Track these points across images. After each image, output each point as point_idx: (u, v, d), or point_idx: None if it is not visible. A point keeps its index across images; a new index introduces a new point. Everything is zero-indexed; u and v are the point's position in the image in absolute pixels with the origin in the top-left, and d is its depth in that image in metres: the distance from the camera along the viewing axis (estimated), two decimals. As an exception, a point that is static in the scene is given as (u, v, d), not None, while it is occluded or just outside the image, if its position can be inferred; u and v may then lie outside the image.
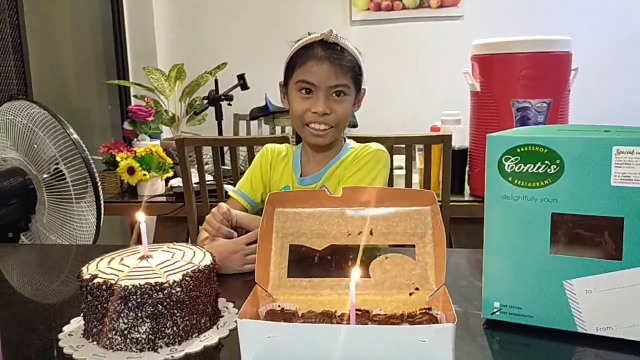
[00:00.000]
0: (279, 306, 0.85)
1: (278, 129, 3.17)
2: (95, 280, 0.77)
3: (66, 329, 0.84)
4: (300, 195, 0.96)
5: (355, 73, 1.25)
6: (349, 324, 0.75)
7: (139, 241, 0.85)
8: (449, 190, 1.97)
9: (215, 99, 2.53)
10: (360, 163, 1.29)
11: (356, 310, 0.84)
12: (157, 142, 2.58)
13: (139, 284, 0.76)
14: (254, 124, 3.20)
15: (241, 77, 2.75)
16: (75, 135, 1.60)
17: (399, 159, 2.08)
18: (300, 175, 1.34)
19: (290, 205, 0.94)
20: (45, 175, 1.64)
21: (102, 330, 0.77)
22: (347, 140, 1.37)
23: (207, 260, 0.84)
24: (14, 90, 2.53)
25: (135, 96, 3.10)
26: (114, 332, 0.77)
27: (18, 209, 1.62)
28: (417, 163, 2.36)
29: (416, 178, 2.16)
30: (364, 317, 0.81)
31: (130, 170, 2.23)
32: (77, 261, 1.28)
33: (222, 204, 1.18)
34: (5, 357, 0.77)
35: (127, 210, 2.32)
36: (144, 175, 2.21)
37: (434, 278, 0.88)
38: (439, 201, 2.02)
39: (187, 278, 0.79)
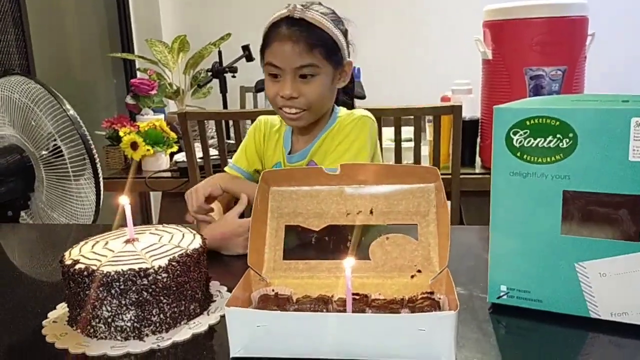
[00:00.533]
0: (272, 290, 0.81)
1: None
2: (77, 266, 0.73)
3: (51, 315, 0.81)
4: (296, 173, 0.91)
5: (328, 48, 1.14)
6: (345, 309, 0.71)
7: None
8: (459, 163, 1.91)
9: (219, 71, 2.47)
10: (344, 132, 1.22)
11: (354, 294, 0.79)
12: (161, 116, 2.53)
13: (122, 270, 0.71)
14: (260, 96, 3.14)
15: (246, 48, 2.68)
16: (72, 112, 1.55)
17: (408, 131, 2.01)
18: (290, 153, 1.28)
19: (286, 183, 0.89)
20: (43, 153, 1.60)
21: (85, 318, 0.74)
22: (337, 109, 1.28)
23: (196, 244, 0.80)
24: (15, 66, 2.49)
25: (139, 69, 3.04)
26: (97, 320, 0.73)
27: (17, 187, 1.59)
28: (426, 135, 2.29)
29: (425, 150, 2.10)
30: (362, 302, 0.77)
31: (134, 146, 2.19)
32: (74, 241, 1.24)
33: (197, 187, 1.16)
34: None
35: (133, 187, 2.28)
36: (148, 150, 2.17)
37: (437, 260, 0.83)
38: (448, 174, 1.97)
39: (173, 263, 0.74)
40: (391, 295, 0.79)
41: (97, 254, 0.76)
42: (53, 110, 1.55)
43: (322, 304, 0.76)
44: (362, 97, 2.49)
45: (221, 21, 3.28)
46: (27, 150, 1.59)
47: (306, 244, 0.89)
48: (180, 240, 0.81)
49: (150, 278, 0.72)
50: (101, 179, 1.59)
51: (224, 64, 2.54)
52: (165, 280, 0.73)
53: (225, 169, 1.35)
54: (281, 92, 1.15)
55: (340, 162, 0.88)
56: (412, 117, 1.93)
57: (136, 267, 0.72)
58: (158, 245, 0.78)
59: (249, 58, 2.69)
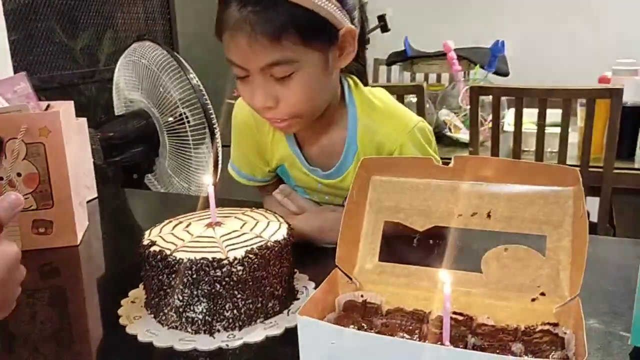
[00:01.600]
0: (361, 296, 0.70)
1: (421, 75, 2.94)
2: (152, 249, 0.68)
3: (132, 293, 0.77)
4: (403, 162, 0.78)
5: (307, 28, 0.77)
6: (441, 332, 0.59)
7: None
8: (614, 155, 1.65)
9: (350, 43, 2.37)
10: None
11: (457, 314, 0.66)
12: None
13: (195, 258, 0.65)
14: (394, 69, 3.00)
15: (381, 18, 2.54)
16: (195, 81, 1.55)
17: (554, 114, 1.77)
18: (309, 163, 0.96)
19: (390, 172, 0.77)
20: (170, 119, 1.63)
21: (159, 304, 0.69)
22: (346, 88, 0.93)
23: (280, 235, 0.71)
24: (158, 32, 2.59)
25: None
26: (168, 308, 0.68)
27: (142, 151, 1.63)
28: (577, 120, 2.02)
29: (574, 137, 1.84)
30: (465, 326, 0.63)
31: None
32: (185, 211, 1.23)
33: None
34: (60, 315, 0.72)
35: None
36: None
37: (568, 283, 0.66)
38: (599, 167, 1.71)
39: (250, 255, 0.66)
40: (503, 321, 0.65)
41: (176, 236, 0.71)
42: (178, 78, 1.55)
43: (416, 321, 0.64)
44: (505, 74, 2.25)
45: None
46: (152, 116, 1.62)
47: (406, 245, 0.77)
48: (264, 229, 0.73)
49: (225, 270, 0.65)
50: (220, 149, 1.57)
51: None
52: (240, 273, 0.66)
53: (235, 177, 1.06)
54: (252, 101, 0.83)
55: None
56: (559, 99, 1.69)
57: (210, 256, 0.65)
58: (238, 233, 0.71)
59: (385, 28, 2.56)
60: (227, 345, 0.65)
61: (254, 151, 1.00)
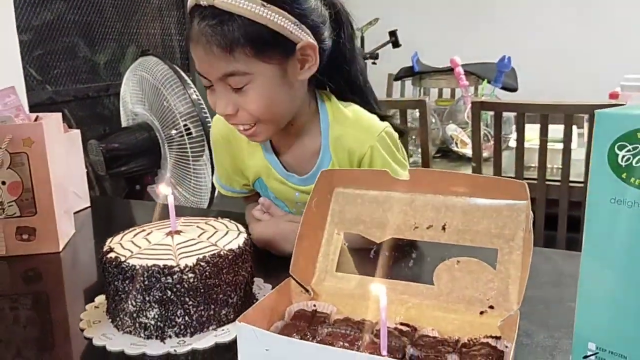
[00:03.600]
0: (313, 306, 0.71)
1: (435, 90, 2.94)
2: (109, 255, 0.70)
3: (98, 299, 0.80)
4: (364, 175, 0.79)
5: (259, 42, 0.81)
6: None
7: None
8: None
9: (359, 58, 2.39)
10: (373, 163, 0.94)
11: (402, 325, 0.67)
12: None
13: (147, 264, 0.67)
14: (407, 84, 3.01)
15: (393, 33, 2.57)
16: (194, 96, 1.59)
17: (557, 130, 1.75)
18: (286, 169, 0.99)
19: (352, 185, 0.78)
20: (172, 132, 1.67)
21: (115, 309, 0.71)
22: (320, 106, 0.96)
23: (235, 244, 0.73)
24: (175, 47, 2.65)
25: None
26: (123, 313, 0.70)
27: (145, 162, 1.67)
28: (584, 136, 1.99)
29: (578, 154, 1.81)
30: (406, 336, 0.64)
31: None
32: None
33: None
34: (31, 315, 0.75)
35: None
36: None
37: (517, 297, 0.66)
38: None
39: (201, 263, 0.68)
40: (449, 333, 0.65)
41: (134, 244, 0.73)
42: (178, 92, 1.59)
43: (359, 331, 0.64)
44: (513, 90, 2.24)
45: (368, 4, 3.19)
46: (155, 129, 1.66)
47: (362, 256, 0.78)
48: (222, 237, 0.74)
49: (175, 277, 0.67)
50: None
51: (367, 49, 2.46)
52: (191, 280, 0.68)
53: (221, 191, 1.10)
54: (215, 109, 0.88)
55: None
56: (562, 114, 1.68)
57: (161, 263, 0.67)
58: (194, 242, 0.73)
59: (396, 44, 2.58)
60: (176, 350, 0.66)
61: (230, 164, 1.03)
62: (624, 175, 0.53)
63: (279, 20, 0.81)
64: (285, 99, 0.88)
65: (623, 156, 0.53)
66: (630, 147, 0.52)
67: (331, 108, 0.96)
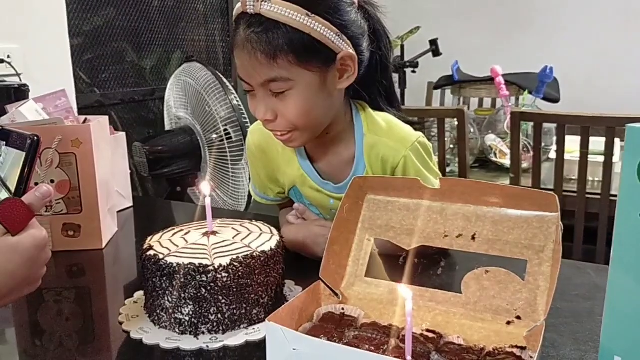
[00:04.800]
0: (342, 309, 0.73)
1: (475, 100, 2.92)
2: (148, 252, 0.74)
3: (137, 294, 0.83)
4: (395, 183, 0.80)
5: (302, 50, 0.83)
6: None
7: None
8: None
9: (398, 66, 2.40)
10: (407, 173, 0.95)
11: (428, 331, 0.68)
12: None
13: (183, 263, 0.70)
14: (447, 93, 3.00)
15: (433, 42, 2.57)
16: (235, 101, 1.63)
17: (597, 142, 1.72)
18: (322, 177, 1.01)
19: (384, 192, 0.80)
20: (213, 136, 1.71)
21: (153, 305, 0.74)
22: (355, 115, 0.98)
23: (268, 246, 0.75)
24: (219, 53, 2.71)
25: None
26: (160, 309, 0.73)
27: (186, 165, 1.72)
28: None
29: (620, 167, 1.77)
30: (432, 343, 0.65)
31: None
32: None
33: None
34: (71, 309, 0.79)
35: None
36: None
37: (544, 308, 0.66)
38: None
39: (235, 263, 0.71)
40: (475, 341, 0.66)
41: (172, 242, 0.76)
42: (220, 97, 1.64)
43: (385, 335, 0.66)
44: (555, 101, 2.21)
45: (409, 13, 3.19)
46: (196, 133, 1.71)
47: (392, 263, 0.79)
48: (255, 239, 0.77)
49: (210, 275, 0.70)
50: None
51: (406, 57, 2.46)
52: (225, 279, 0.70)
53: (256, 199, 1.13)
54: (255, 114, 0.91)
55: None
56: (604, 126, 1.65)
57: (197, 262, 0.70)
58: (229, 243, 0.75)
59: (436, 53, 2.58)
60: (208, 346, 0.69)
61: (265, 173, 1.06)
62: (654, 190, 0.53)
63: (322, 30, 0.84)
64: (324, 106, 0.90)
65: (653, 171, 0.53)
66: (660, 161, 0.52)
67: (366, 118, 0.98)
